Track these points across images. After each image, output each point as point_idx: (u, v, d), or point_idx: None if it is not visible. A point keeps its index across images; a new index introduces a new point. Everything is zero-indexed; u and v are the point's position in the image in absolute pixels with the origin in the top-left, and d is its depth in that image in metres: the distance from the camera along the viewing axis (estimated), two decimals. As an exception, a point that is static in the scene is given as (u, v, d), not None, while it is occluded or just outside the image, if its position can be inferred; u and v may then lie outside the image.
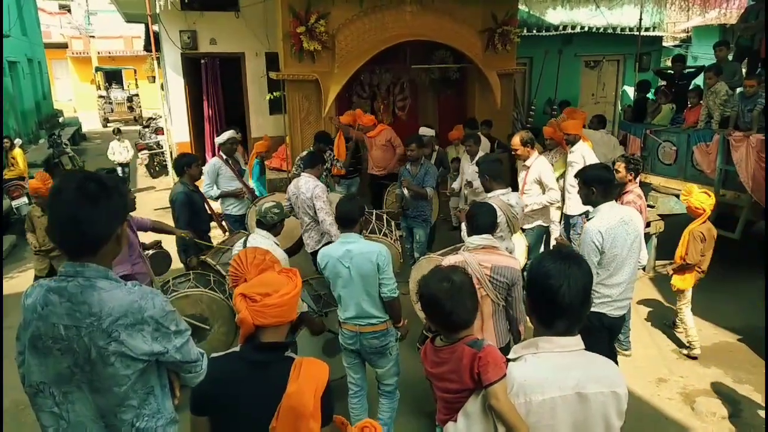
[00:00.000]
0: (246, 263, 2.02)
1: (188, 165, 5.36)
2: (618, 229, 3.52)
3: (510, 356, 1.87)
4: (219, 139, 6.15)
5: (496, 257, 3.30)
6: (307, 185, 5.05)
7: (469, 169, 6.56)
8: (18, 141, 9.93)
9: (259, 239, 3.70)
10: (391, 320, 3.54)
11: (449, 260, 3.40)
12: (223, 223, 6.19)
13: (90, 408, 1.79)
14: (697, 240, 4.71)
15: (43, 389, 1.78)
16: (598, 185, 3.61)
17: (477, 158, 6.34)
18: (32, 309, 1.75)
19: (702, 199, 4.72)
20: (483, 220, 3.45)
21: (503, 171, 4.58)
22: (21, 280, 7.09)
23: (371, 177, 7.82)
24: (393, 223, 5.72)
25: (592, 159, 5.99)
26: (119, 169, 11.16)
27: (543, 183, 5.49)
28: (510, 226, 4.40)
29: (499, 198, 4.37)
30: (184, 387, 2.01)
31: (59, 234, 1.76)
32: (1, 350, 3.26)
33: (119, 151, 11.83)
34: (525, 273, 5.17)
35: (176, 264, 5.41)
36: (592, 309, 3.50)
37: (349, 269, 3.40)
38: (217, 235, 6.59)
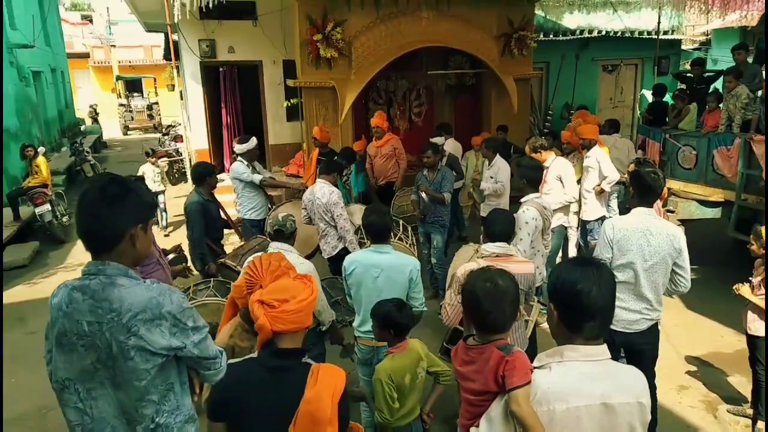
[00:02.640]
0: (261, 270, 2.04)
1: (210, 174, 5.37)
2: (634, 234, 3.30)
3: (535, 364, 1.86)
4: (242, 147, 6.09)
5: (512, 265, 3.21)
6: (322, 191, 5.08)
7: (485, 174, 6.60)
8: (41, 149, 10.09)
9: (283, 253, 3.57)
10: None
11: (463, 268, 3.33)
12: (237, 223, 6.21)
13: (112, 404, 1.85)
14: None
15: (68, 385, 1.85)
16: (634, 188, 3.46)
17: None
18: (58, 307, 1.83)
19: None
20: (499, 228, 3.43)
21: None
22: (45, 285, 7.22)
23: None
24: (409, 228, 5.73)
25: (607, 164, 5.98)
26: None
27: (562, 182, 5.60)
28: (544, 228, 4.42)
29: (535, 201, 4.39)
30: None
31: (82, 232, 1.86)
32: (0, 353, 3.32)
33: (152, 177, 9.57)
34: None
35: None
36: None
37: (378, 279, 3.31)
38: (234, 241, 6.64)
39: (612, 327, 3.30)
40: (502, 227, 3.43)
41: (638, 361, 3.45)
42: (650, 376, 3.55)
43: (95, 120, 23.60)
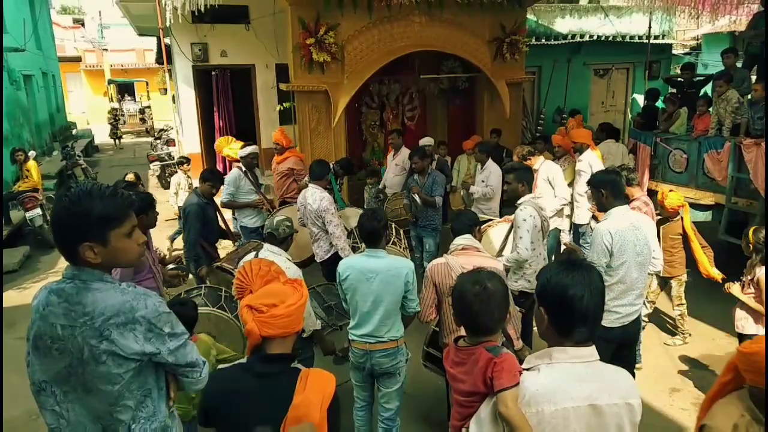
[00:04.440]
0: (251, 274, 2.03)
1: (214, 183, 5.39)
2: (628, 233, 3.49)
3: (524, 366, 1.87)
4: (241, 152, 6.19)
5: (477, 259, 3.29)
6: (313, 196, 5.07)
7: (477, 177, 6.63)
8: (32, 153, 10.02)
9: (272, 256, 3.55)
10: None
11: (433, 263, 3.45)
12: (235, 235, 6.21)
13: (87, 409, 1.83)
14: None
15: (45, 387, 1.83)
16: (606, 187, 3.66)
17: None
18: (36, 309, 1.83)
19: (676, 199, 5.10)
20: (458, 226, 3.62)
21: (532, 178, 4.75)
22: (35, 290, 7.09)
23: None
24: (402, 232, 5.73)
25: (600, 167, 6.00)
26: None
27: (552, 184, 5.62)
28: (542, 230, 4.41)
29: (532, 201, 4.42)
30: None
31: None
32: (0, 357, 3.29)
33: (185, 188, 8.52)
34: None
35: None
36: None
37: (373, 284, 3.31)
38: (227, 245, 6.61)
39: (610, 325, 3.49)
40: (458, 225, 3.64)
41: (629, 347, 3.74)
42: (635, 360, 3.98)
43: (115, 126, 23.37)
